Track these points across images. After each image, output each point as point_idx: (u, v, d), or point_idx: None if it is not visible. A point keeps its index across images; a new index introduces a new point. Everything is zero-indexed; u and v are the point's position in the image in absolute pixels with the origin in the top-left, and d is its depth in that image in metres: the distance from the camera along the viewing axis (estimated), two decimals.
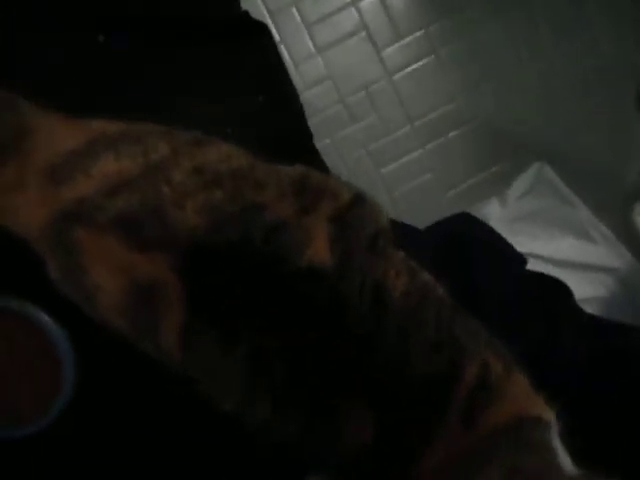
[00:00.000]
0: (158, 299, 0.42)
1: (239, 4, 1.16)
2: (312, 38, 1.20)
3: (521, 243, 0.70)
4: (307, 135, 1.28)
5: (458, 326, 0.41)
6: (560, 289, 0.64)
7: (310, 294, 0.40)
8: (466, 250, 0.67)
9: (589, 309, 0.61)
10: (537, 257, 1.12)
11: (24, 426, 0.48)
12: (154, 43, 0.93)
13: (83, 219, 0.43)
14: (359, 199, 0.47)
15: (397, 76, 1.22)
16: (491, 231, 0.73)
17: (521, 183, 1.23)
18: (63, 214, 0.44)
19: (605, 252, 1.17)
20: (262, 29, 1.22)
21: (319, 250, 0.41)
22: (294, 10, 1.18)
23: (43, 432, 0.49)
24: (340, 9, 1.20)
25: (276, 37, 1.16)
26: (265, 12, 1.17)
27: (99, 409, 0.53)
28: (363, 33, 1.21)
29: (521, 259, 0.67)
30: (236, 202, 0.42)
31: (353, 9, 1.20)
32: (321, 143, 1.19)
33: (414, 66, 1.22)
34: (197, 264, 0.41)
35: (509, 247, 0.69)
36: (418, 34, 1.21)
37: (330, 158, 1.18)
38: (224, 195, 0.42)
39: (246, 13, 1.18)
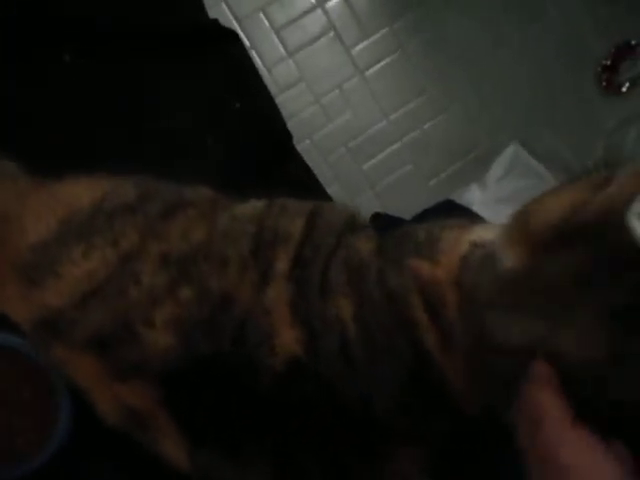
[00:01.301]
0: (151, 425, 0.42)
1: (207, 14, 1.16)
2: (282, 42, 1.21)
3: None
4: (286, 136, 1.29)
5: None
6: None
7: (300, 392, 0.41)
8: None
9: None
10: None
11: (22, 464, 0.48)
12: (123, 58, 0.93)
13: (61, 334, 0.42)
14: (311, 220, 0.47)
15: (368, 73, 1.23)
16: (474, 216, 0.74)
17: (498, 166, 1.25)
18: (42, 322, 0.43)
19: None
20: (232, 36, 1.23)
21: (285, 338, 0.41)
22: (261, 15, 1.19)
23: (40, 470, 0.49)
24: (307, 12, 1.21)
25: (246, 43, 1.17)
26: (233, 19, 1.18)
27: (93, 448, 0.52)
28: (331, 34, 1.22)
29: None
30: (204, 301, 0.42)
31: (320, 11, 1.21)
32: (301, 145, 1.20)
33: (383, 62, 1.24)
34: (174, 390, 0.41)
35: None
36: (384, 31, 1.23)
37: (311, 158, 1.19)
38: (191, 293, 0.42)
39: (215, 22, 1.18)
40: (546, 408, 0.32)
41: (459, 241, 0.42)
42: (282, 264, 0.44)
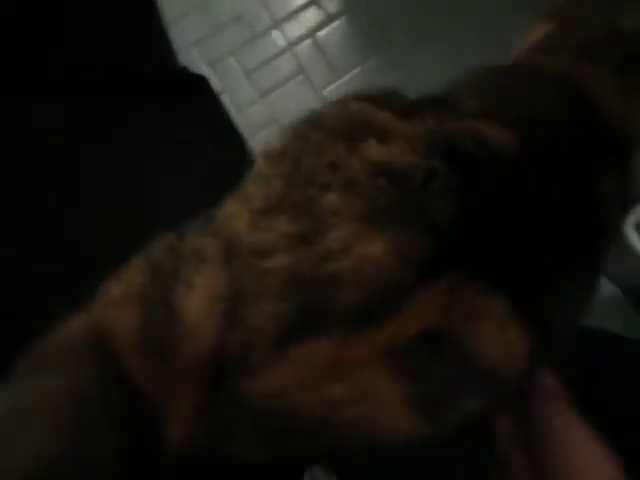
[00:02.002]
0: None
1: (176, 60, 1.18)
2: (253, 85, 1.23)
3: None
4: None
5: None
6: None
7: None
8: None
9: None
10: None
11: None
12: (88, 109, 0.93)
13: None
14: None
15: None
16: None
17: None
18: None
19: None
20: (202, 81, 1.25)
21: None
22: (232, 60, 1.22)
23: None
24: (277, 54, 1.24)
25: (218, 87, 1.19)
26: (204, 64, 1.20)
27: None
28: (301, 76, 1.25)
29: None
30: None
31: (289, 53, 1.24)
32: None
33: None
34: None
35: None
36: (355, 71, 1.26)
37: None
38: None
39: (184, 68, 1.20)
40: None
41: None
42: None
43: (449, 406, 0.37)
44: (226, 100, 1.20)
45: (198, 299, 0.37)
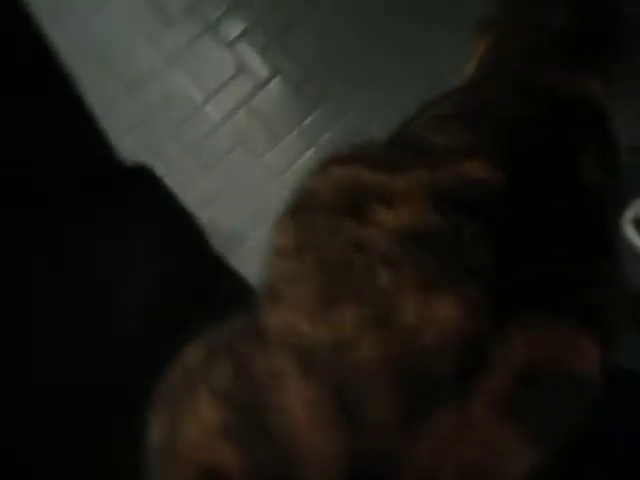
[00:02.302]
0: None
1: (112, 152, 1.15)
2: (194, 162, 1.21)
3: None
4: (216, 256, 1.26)
5: None
6: None
7: None
8: None
9: None
10: None
11: None
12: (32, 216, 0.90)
13: None
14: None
15: (285, 176, 1.24)
16: None
17: None
18: None
19: None
20: (141, 169, 1.21)
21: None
22: (169, 141, 1.20)
23: None
24: (214, 128, 1.22)
25: (159, 170, 1.16)
26: (141, 150, 1.17)
27: None
28: (241, 147, 1.23)
29: None
30: None
31: (226, 126, 1.23)
32: (233, 258, 1.18)
33: (299, 162, 1.25)
34: None
35: None
36: (295, 132, 1.25)
37: (246, 269, 1.17)
38: None
39: (119, 163, 1.17)
40: None
41: None
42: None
43: (558, 426, 0.39)
44: (170, 182, 1.17)
45: (300, 418, 0.36)
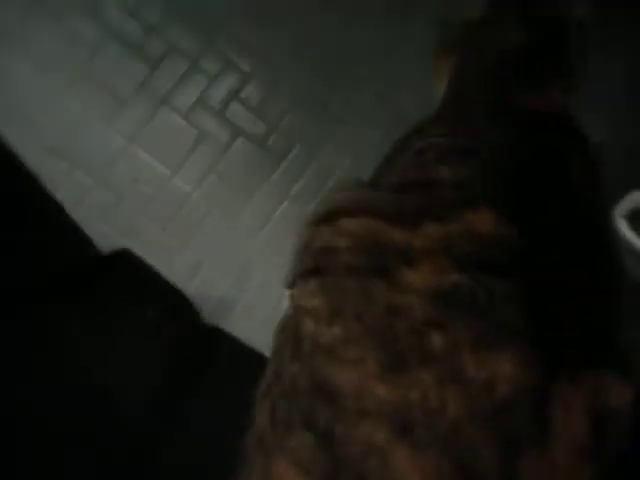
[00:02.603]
0: None
1: (89, 245, 1.15)
2: (172, 237, 1.21)
3: None
4: (208, 327, 1.26)
5: None
6: None
7: None
8: None
9: None
10: None
11: None
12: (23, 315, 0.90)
13: None
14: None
15: (264, 232, 1.24)
16: None
17: None
18: None
19: None
20: (122, 254, 1.21)
21: None
22: (143, 220, 1.19)
23: None
24: (185, 200, 1.23)
25: (139, 251, 1.16)
26: (118, 235, 1.17)
27: None
28: (216, 211, 1.23)
29: None
30: None
31: (197, 195, 1.23)
32: (227, 324, 1.18)
33: (275, 217, 1.25)
34: None
35: None
36: (265, 186, 1.25)
37: (240, 332, 1.17)
38: None
39: (98, 253, 1.17)
40: None
41: None
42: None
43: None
44: (152, 260, 1.17)
45: None
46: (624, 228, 0.60)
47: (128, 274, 1.18)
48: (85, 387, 0.96)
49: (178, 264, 1.20)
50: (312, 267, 0.52)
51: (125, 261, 1.23)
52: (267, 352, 1.19)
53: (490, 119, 0.59)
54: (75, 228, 1.21)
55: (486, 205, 0.45)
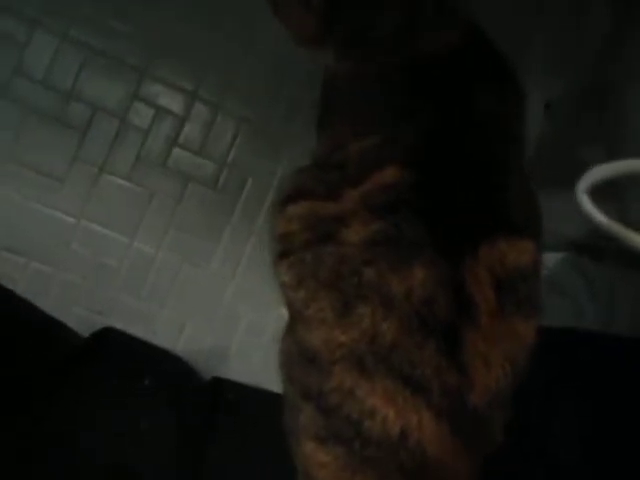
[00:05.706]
0: None
1: (71, 332, 1.12)
2: (149, 301, 1.18)
3: None
4: (210, 381, 1.25)
5: None
6: None
7: None
8: None
9: None
10: None
11: None
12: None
13: None
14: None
15: (238, 273, 1.21)
16: None
17: None
18: None
19: None
20: (105, 335, 1.19)
21: None
22: (120, 297, 1.16)
23: None
24: (150, 262, 1.19)
25: (119, 325, 1.13)
26: (95, 314, 1.13)
27: None
28: (185, 268, 1.20)
29: None
30: None
31: (164, 250, 1.20)
32: (225, 372, 1.17)
33: (245, 256, 1.22)
34: None
35: None
36: (228, 229, 1.21)
37: (241, 376, 1.15)
38: None
39: (79, 338, 1.14)
40: None
41: None
42: None
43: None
44: (136, 331, 1.14)
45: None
46: (586, 204, 0.62)
47: (115, 351, 1.16)
48: (101, 468, 0.96)
49: (161, 327, 1.17)
50: (280, 251, 0.61)
51: (110, 339, 1.21)
52: (271, 388, 1.18)
53: (392, 67, 0.66)
54: (47, 321, 1.18)
55: (389, 163, 0.55)
